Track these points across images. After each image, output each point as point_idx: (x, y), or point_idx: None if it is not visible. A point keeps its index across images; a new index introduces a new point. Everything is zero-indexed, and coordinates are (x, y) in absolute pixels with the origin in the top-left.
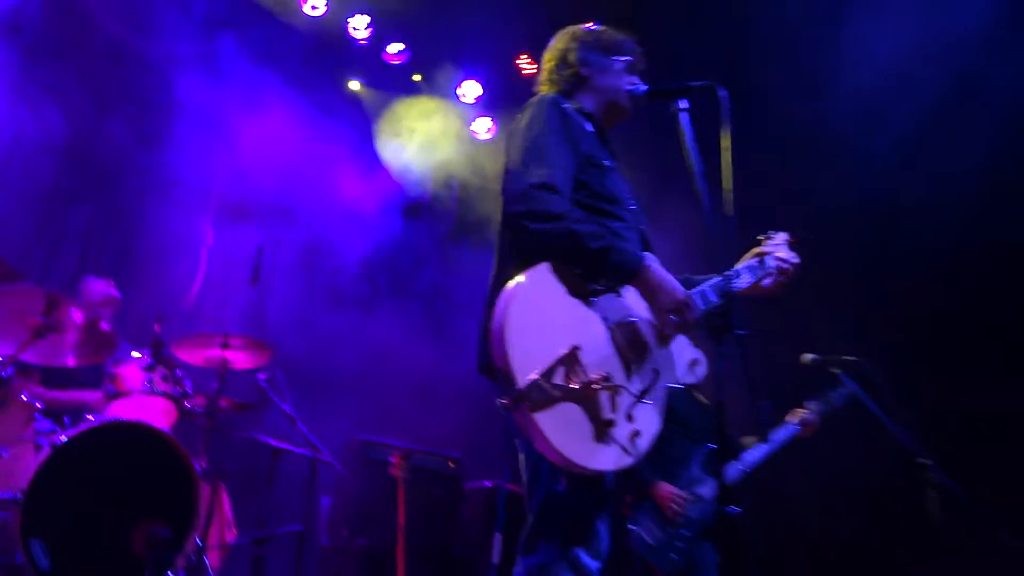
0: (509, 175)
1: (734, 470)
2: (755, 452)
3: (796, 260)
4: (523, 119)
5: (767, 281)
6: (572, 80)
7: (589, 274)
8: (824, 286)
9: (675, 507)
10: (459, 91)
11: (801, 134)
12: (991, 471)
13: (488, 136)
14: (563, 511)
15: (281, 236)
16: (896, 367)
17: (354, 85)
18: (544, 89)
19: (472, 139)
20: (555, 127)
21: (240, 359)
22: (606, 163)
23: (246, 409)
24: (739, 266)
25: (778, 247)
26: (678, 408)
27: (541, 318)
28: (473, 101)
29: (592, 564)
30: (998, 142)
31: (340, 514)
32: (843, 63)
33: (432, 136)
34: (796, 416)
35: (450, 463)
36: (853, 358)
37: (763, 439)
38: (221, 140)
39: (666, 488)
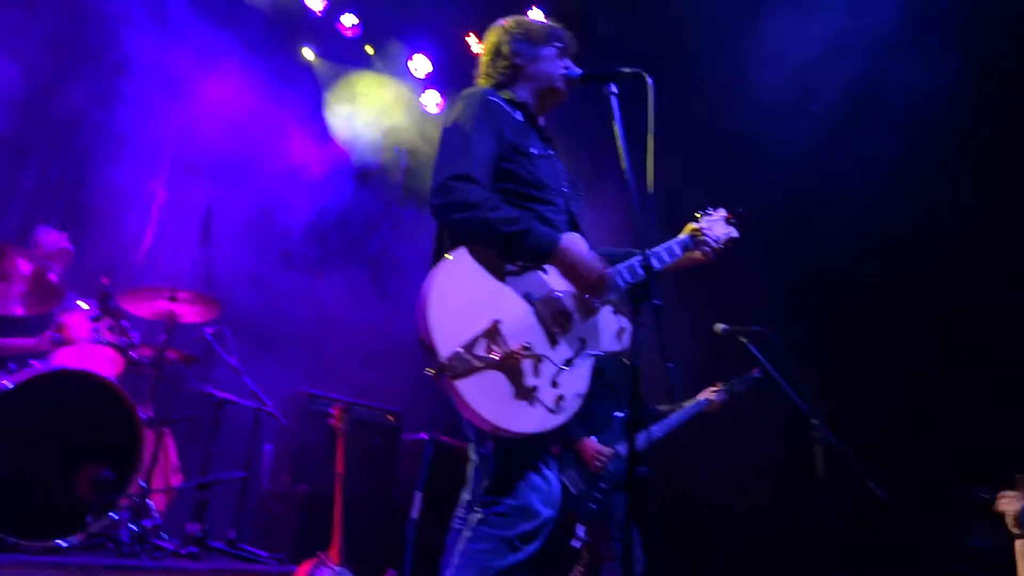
0: (434, 169)
1: (644, 437)
2: (665, 422)
3: (735, 234)
4: (451, 113)
5: (699, 252)
6: (507, 72)
7: (508, 256)
8: (742, 265)
9: (598, 462)
10: (410, 65)
11: (726, 123)
12: (883, 435)
13: (437, 110)
14: (507, 467)
15: (232, 196)
16: (800, 338)
17: (308, 54)
18: (481, 82)
19: (422, 111)
20: (478, 120)
21: (188, 313)
22: (533, 151)
23: (192, 361)
24: (671, 241)
25: (715, 223)
26: (605, 369)
27: (464, 295)
28: (424, 76)
29: (545, 511)
30: (906, 137)
31: (282, 462)
32: (764, 56)
33: (382, 107)
34: (706, 393)
35: (389, 416)
36: (759, 328)
37: (674, 406)
38: (175, 99)
39: (591, 444)
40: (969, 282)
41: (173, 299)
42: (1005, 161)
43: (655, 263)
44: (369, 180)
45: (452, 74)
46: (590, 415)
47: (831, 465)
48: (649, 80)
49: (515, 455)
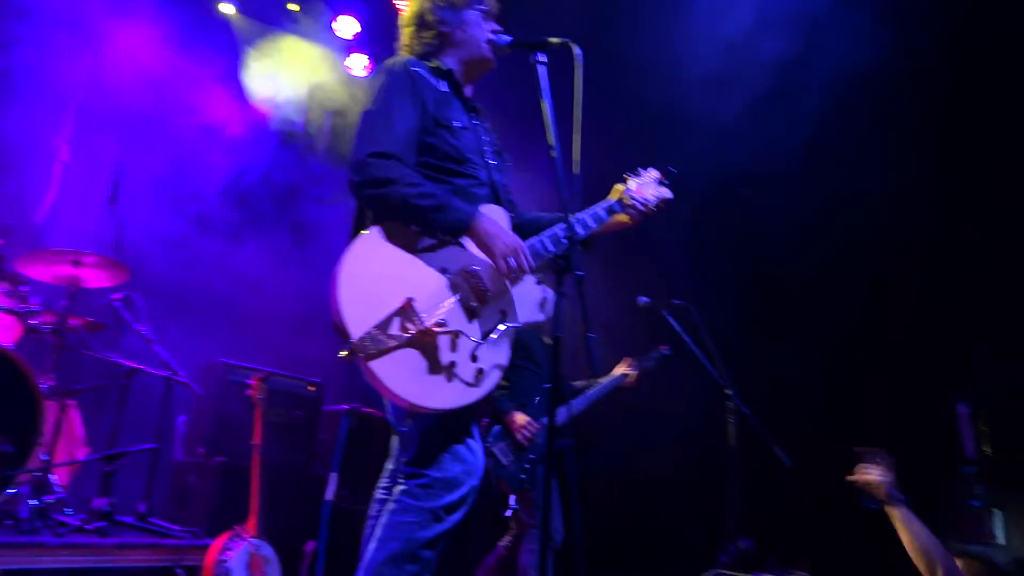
0: (354, 143)
1: (564, 410)
2: (584, 396)
3: (668, 195)
4: (373, 85)
5: (626, 215)
6: (434, 41)
7: (426, 231)
8: (668, 238)
9: (526, 433)
10: (335, 25)
11: (654, 97)
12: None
13: (364, 73)
14: (430, 439)
15: (144, 154)
16: (723, 312)
17: (227, 8)
18: (404, 53)
19: (347, 74)
20: (401, 92)
21: (93, 278)
22: (455, 123)
23: (99, 329)
24: (596, 205)
25: (645, 185)
26: (530, 344)
27: (376, 275)
28: (351, 37)
29: (469, 481)
30: (830, 114)
31: (197, 433)
32: (695, 33)
33: (306, 67)
34: (621, 368)
35: (310, 387)
36: (679, 302)
37: (591, 382)
38: (82, 48)
39: (519, 417)
40: (893, 257)
41: (77, 263)
42: (929, 135)
43: (579, 230)
44: (292, 142)
45: (380, 36)
46: (518, 389)
47: (743, 434)
48: (577, 50)
49: (438, 428)
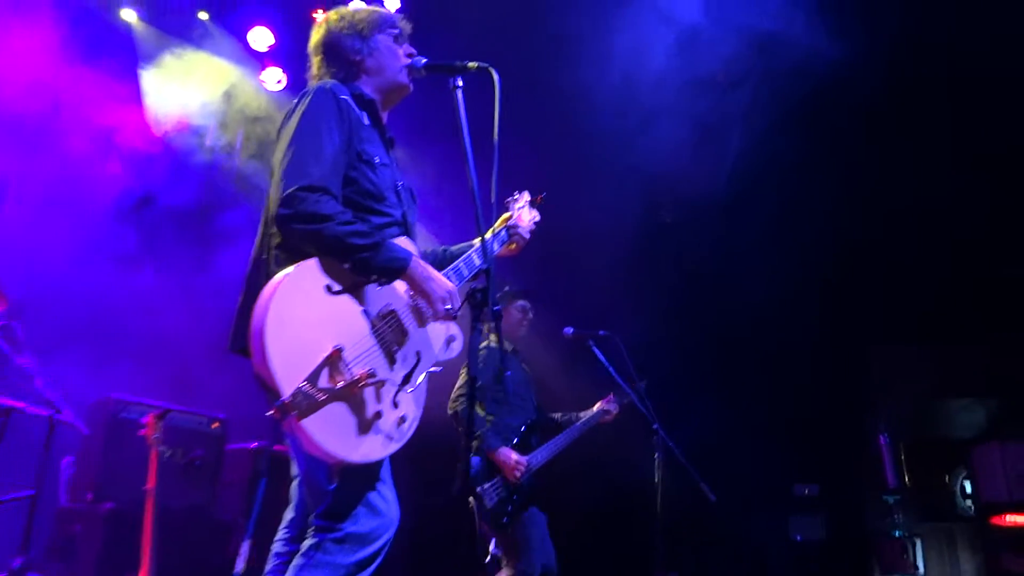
0: (280, 173)
1: (548, 448)
2: (565, 434)
3: (537, 218)
4: (298, 110)
5: (512, 242)
6: (345, 70)
7: (358, 272)
8: (587, 268)
9: (517, 473)
10: (249, 37)
11: (580, 125)
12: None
13: (279, 87)
14: (346, 490)
15: (29, 168)
16: (644, 339)
17: (129, 16)
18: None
19: (260, 87)
20: (329, 121)
21: None
22: (376, 160)
23: None
24: (488, 236)
25: (522, 210)
26: (514, 380)
27: (302, 320)
28: (266, 49)
29: (385, 535)
30: (757, 146)
31: (84, 477)
32: (619, 59)
33: (215, 81)
34: (601, 404)
35: (213, 424)
36: (605, 332)
37: (569, 416)
38: None
39: (507, 454)
40: (823, 289)
41: None
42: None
43: (478, 262)
44: (198, 159)
45: (297, 50)
46: (504, 426)
47: (668, 468)
48: (496, 75)
49: (354, 478)
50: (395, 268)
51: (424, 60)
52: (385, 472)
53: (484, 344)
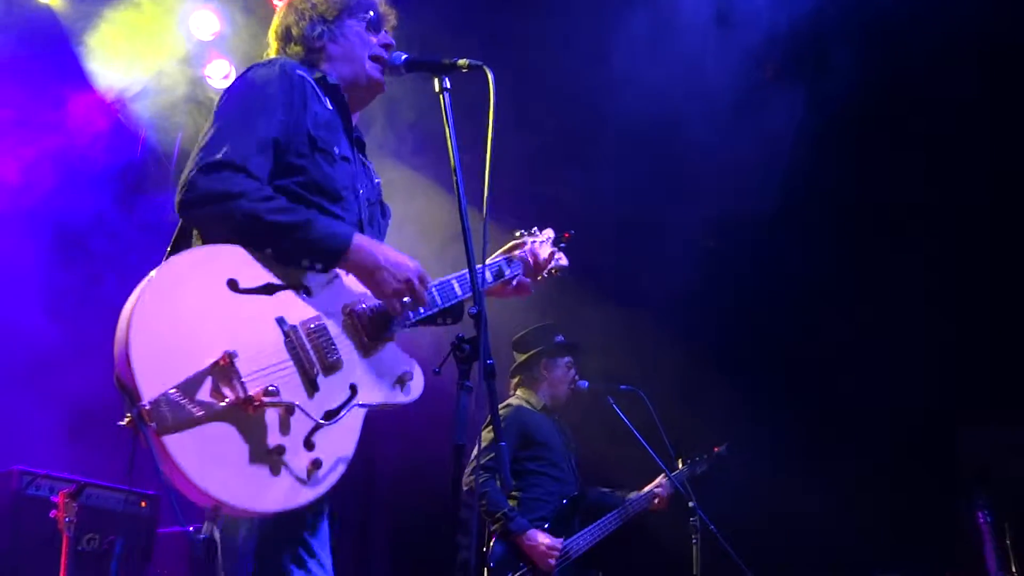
0: (192, 155)
1: (594, 531)
2: (613, 515)
3: (564, 263)
4: (236, 80)
5: (516, 282)
6: (306, 57)
7: (283, 257)
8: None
9: (551, 561)
10: (190, 22)
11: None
12: None
13: (225, 82)
14: (264, 560)
15: None
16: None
17: None
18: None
19: (203, 81)
20: (266, 99)
21: None
22: (335, 151)
23: None
24: (483, 266)
25: (541, 245)
26: (548, 443)
27: (187, 314)
28: (211, 37)
29: None
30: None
31: None
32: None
33: (152, 71)
34: (652, 484)
35: (142, 503)
36: (627, 387)
37: (624, 492)
38: None
39: (541, 537)
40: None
41: None
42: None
43: (458, 292)
44: (123, 173)
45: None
46: (533, 502)
47: (705, 544)
48: (491, 74)
49: (273, 542)
50: (333, 247)
51: (404, 56)
52: (318, 543)
53: (507, 403)
